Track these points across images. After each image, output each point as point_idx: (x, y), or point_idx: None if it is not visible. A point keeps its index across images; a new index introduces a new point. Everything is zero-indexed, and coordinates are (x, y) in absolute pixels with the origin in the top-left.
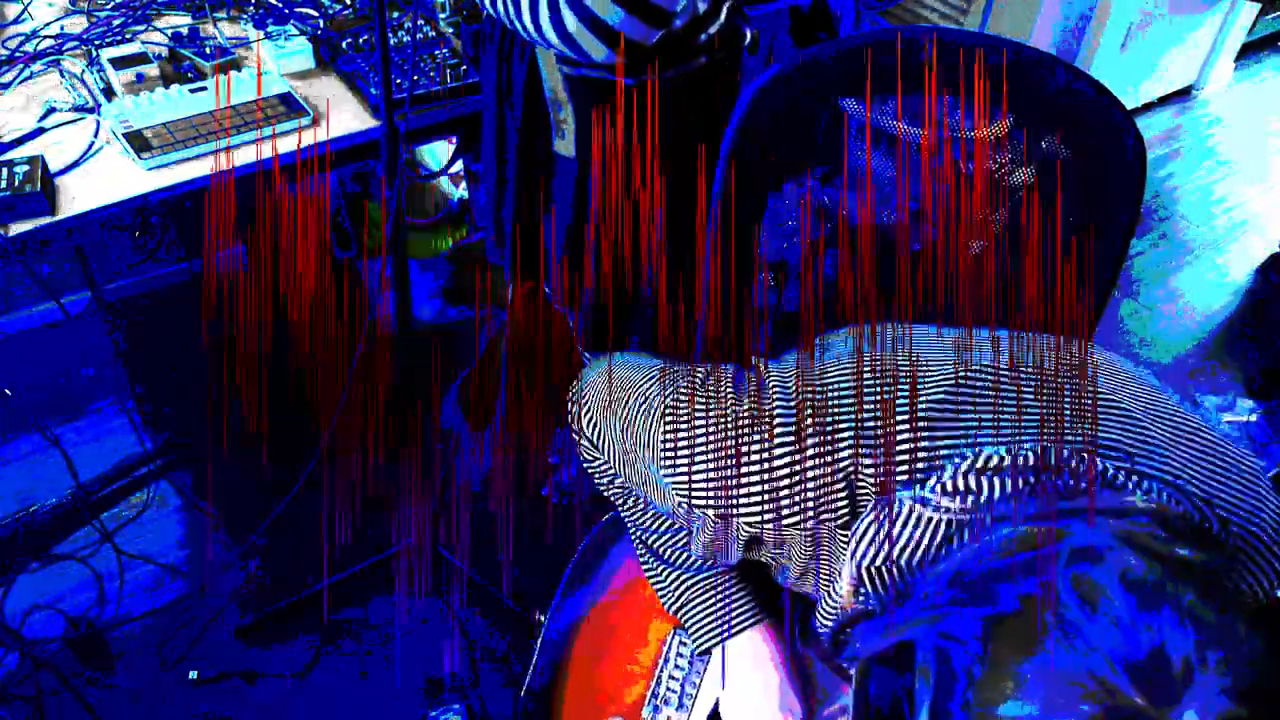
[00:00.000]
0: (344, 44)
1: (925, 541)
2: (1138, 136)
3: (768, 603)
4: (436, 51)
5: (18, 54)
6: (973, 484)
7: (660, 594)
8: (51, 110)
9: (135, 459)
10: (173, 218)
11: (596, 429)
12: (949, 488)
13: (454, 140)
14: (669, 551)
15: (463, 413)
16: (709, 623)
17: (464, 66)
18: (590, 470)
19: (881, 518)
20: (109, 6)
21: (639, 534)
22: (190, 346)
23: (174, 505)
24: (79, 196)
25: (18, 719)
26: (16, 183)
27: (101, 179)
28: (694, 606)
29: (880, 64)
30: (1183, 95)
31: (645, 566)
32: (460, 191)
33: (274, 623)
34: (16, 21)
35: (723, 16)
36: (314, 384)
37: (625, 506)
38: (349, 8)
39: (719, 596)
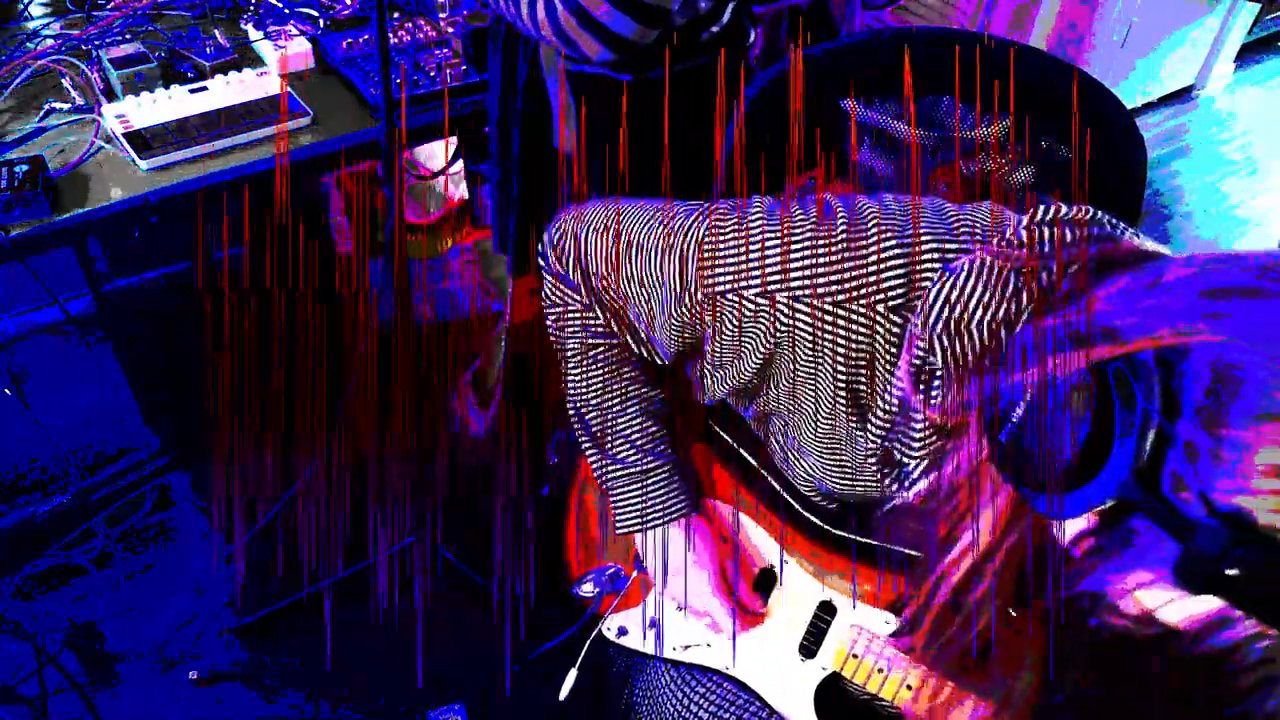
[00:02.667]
0: (344, 44)
1: (998, 295)
2: (1137, 136)
3: (693, 498)
4: (436, 51)
5: (18, 54)
6: (1034, 234)
7: (595, 474)
8: (51, 110)
9: (135, 459)
10: (173, 218)
11: (575, 262)
12: (1013, 240)
13: (454, 140)
14: (600, 429)
15: (474, 405)
16: (628, 514)
17: (464, 66)
18: (553, 318)
19: (954, 278)
20: (109, 6)
21: (577, 405)
22: (190, 346)
23: (174, 505)
24: (79, 196)
25: (20, 719)
26: (16, 183)
27: (101, 179)
28: (618, 495)
29: (881, 64)
30: (1183, 95)
31: (583, 446)
32: (460, 191)
33: (274, 623)
34: (16, 22)
35: (726, 16)
36: (314, 383)
37: (574, 366)
38: (349, 8)
39: (639, 491)
